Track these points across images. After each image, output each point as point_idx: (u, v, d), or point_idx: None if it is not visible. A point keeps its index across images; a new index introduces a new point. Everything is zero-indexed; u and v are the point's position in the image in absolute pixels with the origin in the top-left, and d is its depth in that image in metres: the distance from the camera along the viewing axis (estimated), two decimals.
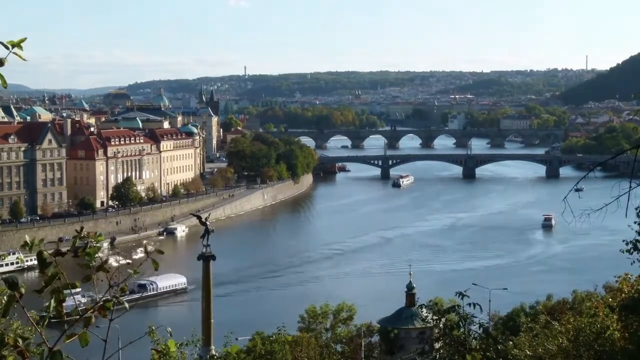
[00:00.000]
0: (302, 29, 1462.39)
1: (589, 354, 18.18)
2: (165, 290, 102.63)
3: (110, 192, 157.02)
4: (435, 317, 15.83)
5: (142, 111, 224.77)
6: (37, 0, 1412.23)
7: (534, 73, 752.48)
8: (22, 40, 4.71)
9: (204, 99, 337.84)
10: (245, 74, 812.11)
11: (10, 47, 4.63)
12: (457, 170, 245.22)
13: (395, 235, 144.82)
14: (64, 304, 4.87)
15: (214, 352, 39.96)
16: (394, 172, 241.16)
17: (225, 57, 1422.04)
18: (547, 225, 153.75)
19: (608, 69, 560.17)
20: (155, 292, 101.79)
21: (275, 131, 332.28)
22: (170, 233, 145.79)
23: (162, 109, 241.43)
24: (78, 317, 4.87)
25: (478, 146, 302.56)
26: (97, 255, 5.01)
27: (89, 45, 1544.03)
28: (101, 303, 4.93)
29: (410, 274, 53.52)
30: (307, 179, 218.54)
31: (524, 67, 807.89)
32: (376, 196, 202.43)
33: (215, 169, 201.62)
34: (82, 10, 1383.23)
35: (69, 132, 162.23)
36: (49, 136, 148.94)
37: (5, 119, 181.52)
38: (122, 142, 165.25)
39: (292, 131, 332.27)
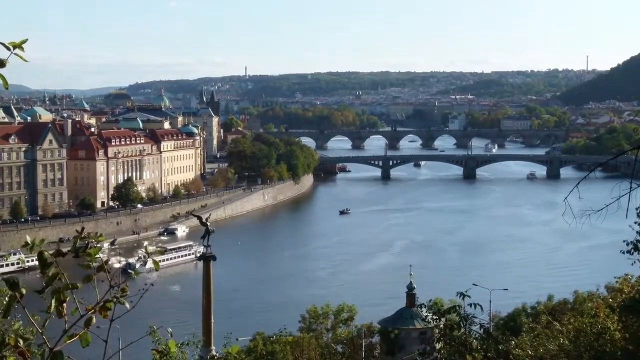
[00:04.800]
0: (303, 30, 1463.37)
1: (589, 354, 18.18)
2: None
3: (110, 192, 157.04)
4: (435, 317, 15.83)
5: (142, 111, 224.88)
6: (39, 2, 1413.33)
7: (534, 73, 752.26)
8: (24, 42, 4.66)
9: (204, 99, 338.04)
10: (246, 75, 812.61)
11: (11, 48, 4.62)
12: (458, 170, 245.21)
13: (395, 235, 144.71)
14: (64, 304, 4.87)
15: (214, 353, 39.91)
16: (394, 172, 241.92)
17: (225, 57, 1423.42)
18: (531, 177, 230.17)
19: (609, 69, 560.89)
20: None
21: (276, 131, 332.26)
22: (171, 233, 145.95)
23: (163, 109, 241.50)
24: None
25: (479, 147, 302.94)
26: (97, 255, 5.01)
27: (89, 46, 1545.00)
28: (102, 304, 4.93)
29: (410, 274, 53.54)
30: (308, 180, 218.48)
31: (525, 68, 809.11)
32: (377, 196, 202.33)
33: (216, 169, 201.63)
34: (83, 12, 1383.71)
35: (69, 132, 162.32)
36: (50, 136, 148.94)
37: (6, 120, 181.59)
38: (122, 143, 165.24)
39: (293, 131, 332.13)
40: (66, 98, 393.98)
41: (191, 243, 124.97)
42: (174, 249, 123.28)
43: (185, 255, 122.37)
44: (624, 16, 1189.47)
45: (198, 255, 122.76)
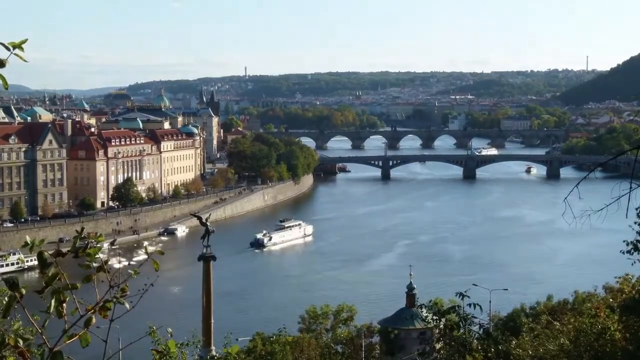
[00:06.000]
0: (303, 30, 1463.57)
1: (589, 354, 18.17)
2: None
3: (110, 192, 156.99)
4: (435, 317, 15.82)
5: (142, 112, 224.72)
6: (40, 1, 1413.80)
7: (534, 73, 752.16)
8: (24, 42, 4.64)
9: (204, 99, 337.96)
10: (246, 75, 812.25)
11: (11, 48, 4.61)
12: (458, 170, 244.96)
13: (395, 235, 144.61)
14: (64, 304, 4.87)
15: (214, 353, 39.90)
16: (394, 172, 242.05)
17: (225, 57, 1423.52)
18: (528, 172, 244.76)
19: (608, 69, 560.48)
20: None
21: (276, 132, 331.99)
22: (171, 233, 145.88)
23: (163, 109, 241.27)
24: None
25: (478, 147, 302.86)
26: (97, 255, 5.01)
27: (90, 46, 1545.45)
28: (102, 304, 4.93)
29: (410, 275, 53.57)
30: (308, 180, 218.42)
31: (525, 68, 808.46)
32: (375, 197, 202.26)
33: (216, 170, 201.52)
34: (83, 13, 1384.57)
35: (69, 132, 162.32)
36: (50, 137, 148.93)
37: (6, 120, 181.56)
38: (122, 143, 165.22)
39: (293, 132, 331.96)
40: (66, 98, 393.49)
41: (300, 222, 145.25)
42: (289, 226, 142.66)
43: (297, 232, 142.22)
44: (624, 16, 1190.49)
45: (306, 232, 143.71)
